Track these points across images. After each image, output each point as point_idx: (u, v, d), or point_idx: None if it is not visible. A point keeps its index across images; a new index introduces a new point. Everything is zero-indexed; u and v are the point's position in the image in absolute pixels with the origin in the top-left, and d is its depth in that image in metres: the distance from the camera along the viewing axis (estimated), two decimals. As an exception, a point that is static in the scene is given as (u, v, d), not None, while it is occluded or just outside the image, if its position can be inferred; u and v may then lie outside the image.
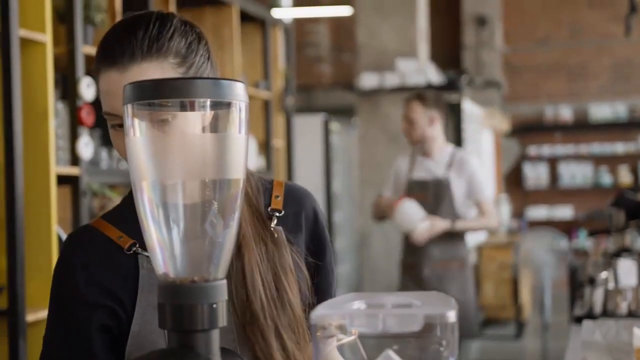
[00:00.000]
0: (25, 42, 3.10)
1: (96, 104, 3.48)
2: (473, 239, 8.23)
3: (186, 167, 0.96)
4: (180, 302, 0.94)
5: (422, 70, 7.23)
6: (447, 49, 11.32)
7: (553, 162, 11.65)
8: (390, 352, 0.88)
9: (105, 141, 3.78)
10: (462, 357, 5.59)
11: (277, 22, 5.81)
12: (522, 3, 11.69)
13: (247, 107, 0.99)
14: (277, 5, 6.60)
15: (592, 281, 3.20)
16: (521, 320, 8.28)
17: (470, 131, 8.48)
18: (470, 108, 8.48)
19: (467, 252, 4.66)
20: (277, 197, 1.47)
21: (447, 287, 4.48)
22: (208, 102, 0.95)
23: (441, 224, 4.46)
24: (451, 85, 7.71)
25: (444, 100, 4.77)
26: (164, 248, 0.96)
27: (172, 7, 4.32)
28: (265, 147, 5.54)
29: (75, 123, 3.42)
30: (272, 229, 1.43)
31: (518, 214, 11.41)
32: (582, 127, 11.50)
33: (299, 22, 10.79)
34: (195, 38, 1.36)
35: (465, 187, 4.53)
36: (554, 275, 7.58)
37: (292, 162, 5.98)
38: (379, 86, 7.21)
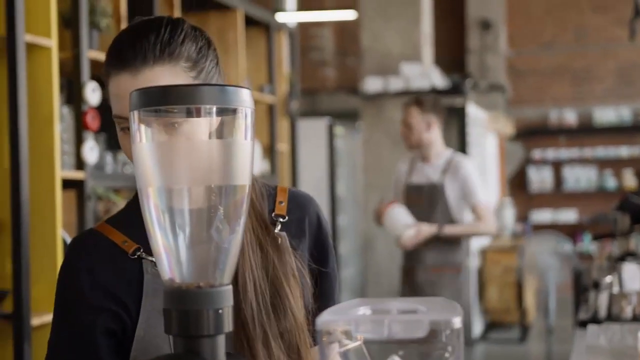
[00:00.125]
0: (30, 47, 3.11)
1: (101, 108, 3.48)
2: (477, 243, 8.24)
3: (192, 173, 0.97)
4: (186, 307, 0.94)
5: (426, 74, 7.24)
6: (452, 53, 11.32)
7: (557, 166, 11.64)
8: (396, 358, 0.88)
9: (110, 145, 3.79)
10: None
11: (282, 26, 5.82)
12: (526, 7, 11.68)
13: (253, 114, 0.99)
14: (282, 10, 6.61)
15: (596, 285, 3.20)
16: (525, 324, 8.28)
17: (475, 135, 8.48)
18: (474, 112, 8.48)
19: (464, 257, 4.63)
20: (281, 202, 1.47)
21: (440, 293, 4.47)
22: (214, 109, 0.95)
23: (428, 230, 4.46)
24: (455, 89, 7.71)
25: (444, 104, 4.77)
26: (170, 253, 0.96)
27: (177, 12, 4.33)
28: (270, 151, 5.55)
29: (80, 127, 3.43)
30: (275, 234, 1.43)
31: (522, 217, 11.40)
32: (587, 131, 11.49)
33: (303, 26, 10.80)
34: (205, 43, 1.37)
35: (459, 191, 4.52)
36: (558, 279, 7.57)
37: (296, 166, 5.98)
38: (383, 90, 7.22)
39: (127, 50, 1.32)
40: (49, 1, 3.15)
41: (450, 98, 7.83)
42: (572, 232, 11.17)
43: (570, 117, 11.55)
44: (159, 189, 0.96)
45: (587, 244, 10.98)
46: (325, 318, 0.90)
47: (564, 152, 11.55)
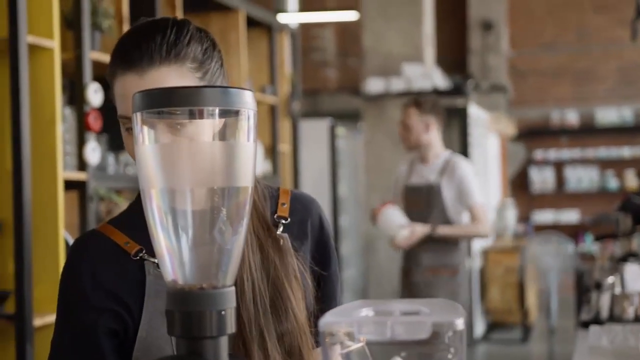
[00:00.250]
0: (33, 48, 3.12)
1: (103, 109, 3.49)
2: (479, 244, 8.24)
3: (195, 175, 0.97)
4: (189, 309, 0.94)
5: (428, 74, 7.24)
6: (453, 54, 11.32)
7: (559, 167, 11.64)
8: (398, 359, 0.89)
9: (112, 146, 3.79)
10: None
11: (283, 27, 5.82)
12: (528, 7, 11.68)
13: (256, 115, 0.99)
14: (283, 11, 6.61)
15: (598, 286, 3.20)
16: (527, 325, 8.28)
17: (476, 136, 8.48)
18: (476, 112, 8.48)
19: (461, 259, 4.60)
20: (283, 204, 1.48)
21: (436, 294, 4.47)
22: (217, 111, 0.96)
23: (421, 230, 4.47)
24: (457, 90, 7.71)
25: (445, 105, 4.77)
26: (173, 255, 0.96)
27: (179, 13, 4.33)
28: (272, 152, 5.55)
29: (82, 128, 3.43)
30: (277, 236, 1.43)
31: (524, 218, 11.40)
32: (589, 132, 11.48)
33: (305, 27, 10.80)
34: (210, 45, 1.38)
35: (455, 192, 4.52)
36: (560, 280, 7.57)
37: (298, 167, 5.99)
38: (385, 91, 7.22)
39: (134, 51, 1.33)
40: (51, 2, 3.15)
41: (451, 99, 7.83)
42: (574, 232, 11.17)
43: (572, 117, 11.55)
44: (161, 191, 0.96)
45: (589, 244, 10.97)
46: (328, 319, 0.90)
47: (566, 153, 11.55)
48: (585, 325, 2.83)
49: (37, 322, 3.04)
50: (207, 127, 0.98)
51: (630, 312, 2.85)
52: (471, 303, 7.63)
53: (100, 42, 3.59)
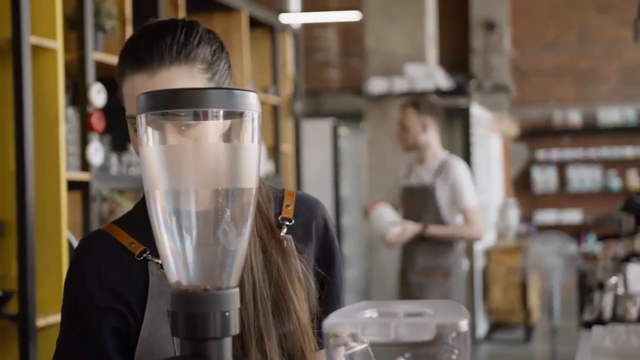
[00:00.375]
0: (36, 49, 3.12)
1: (106, 110, 3.49)
2: (481, 244, 8.23)
3: (199, 177, 0.97)
4: (193, 310, 0.94)
5: (430, 75, 7.23)
6: (456, 54, 11.32)
7: (562, 167, 11.63)
8: (402, 361, 0.89)
9: (115, 147, 3.80)
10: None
11: (286, 27, 5.82)
12: (530, 7, 11.68)
13: (260, 117, 1.00)
14: (286, 11, 6.61)
15: (601, 286, 3.20)
16: (530, 325, 8.27)
17: (479, 136, 8.48)
18: (478, 112, 8.48)
19: (455, 261, 4.57)
20: (287, 206, 1.48)
21: (428, 296, 4.46)
22: (221, 112, 0.96)
23: (412, 228, 4.47)
24: (460, 90, 7.71)
25: (448, 105, 4.77)
26: (177, 256, 0.96)
27: (182, 13, 4.33)
28: (274, 152, 5.56)
29: (85, 129, 3.44)
30: (281, 237, 1.43)
31: (526, 218, 11.39)
32: (591, 132, 11.48)
33: (307, 27, 10.80)
34: (218, 46, 1.38)
35: (449, 193, 4.51)
36: (562, 280, 7.57)
37: (300, 167, 5.99)
38: (388, 91, 7.22)
39: (144, 51, 1.33)
40: (55, 3, 3.16)
41: (454, 99, 7.83)
42: (576, 232, 11.17)
43: (574, 117, 11.54)
44: (166, 192, 0.96)
45: (592, 244, 10.97)
46: (332, 321, 0.91)
47: (568, 153, 11.54)
48: (588, 325, 2.83)
49: (40, 322, 3.05)
50: (211, 128, 0.98)
51: (633, 312, 2.85)
52: (473, 303, 7.63)
53: (103, 43, 3.59)
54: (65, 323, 1.40)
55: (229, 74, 1.40)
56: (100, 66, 3.53)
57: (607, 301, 2.94)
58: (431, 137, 4.58)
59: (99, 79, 3.50)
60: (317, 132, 7.98)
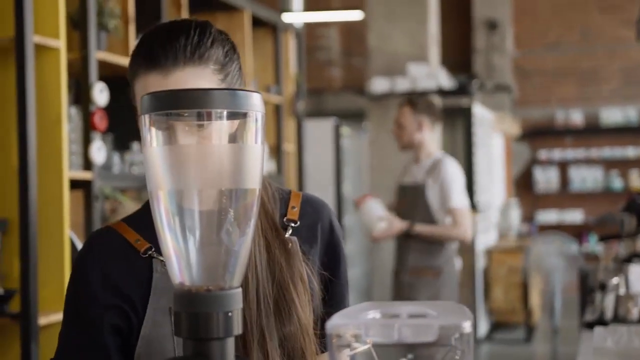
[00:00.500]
0: (39, 48, 3.12)
1: (109, 109, 3.49)
2: (483, 244, 8.23)
3: (203, 177, 0.97)
4: (196, 310, 0.94)
5: (433, 74, 7.23)
6: (458, 53, 11.31)
7: (563, 166, 11.63)
8: (405, 362, 0.89)
9: (118, 146, 3.80)
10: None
11: (288, 26, 5.82)
12: (533, 7, 11.67)
13: (264, 117, 1.00)
14: (288, 10, 6.61)
15: (603, 286, 3.19)
16: (531, 325, 8.27)
17: (481, 135, 8.48)
18: (480, 112, 8.48)
19: (446, 261, 4.54)
20: (293, 207, 1.48)
21: (417, 296, 4.45)
22: (225, 113, 0.96)
23: (399, 225, 4.47)
24: (462, 90, 7.71)
25: (439, 106, 4.76)
26: (180, 256, 0.97)
27: (185, 12, 4.34)
28: (277, 152, 5.56)
29: (88, 128, 3.44)
30: (286, 238, 1.44)
31: (528, 218, 11.39)
32: (593, 132, 11.47)
33: (310, 27, 10.81)
34: (230, 47, 1.39)
35: (438, 192, 4.50)
36: (564, 280, 7.57)
37: (302, 167, 5.99)
38: (390, 90, 7.22)
39: (157, 51, 1.33)
40: (58, 2, 3.16)
41: (456, 98, 7.83)
42: (577, 232, 11.16)
43: (576, 117, 11.53)
44: (169, 192, 0.97)
45: (593, 244, 10.96)
46: (335, 322, 0.91)
47: (570, 153, 11.53)
48: (589, 326, 2.83)
49: (42, 321, 3.05)
50: (215, 129, 0.98)
51: (634, 313, 2.85)
52: (474, 303, 7.63)
53: (106, 42, 3.59)
54: (68, 318, 1.42)
55: (240, 76, 1.40)
56: (103, 65, 3.54)
57: (609, 302, 2.94)
58: (426, 136, 4.58)
59: (102, 78, 3.50)
60: (320, 131, 7.98)
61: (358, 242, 8.67)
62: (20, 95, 3.02)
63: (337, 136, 8.25)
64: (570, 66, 11.61)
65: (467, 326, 0.86)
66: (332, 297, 1.49)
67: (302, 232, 1.47)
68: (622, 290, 2.95)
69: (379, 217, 4.53)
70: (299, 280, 1.41)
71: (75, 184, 3.37)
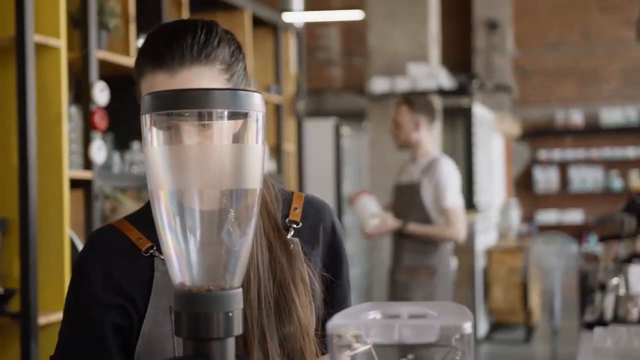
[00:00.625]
0: (39, 47, 3.12)
1: (109, 108, 3.49)
2: (483, 244, 8.23)
3: (203, 177, 0.97)
4: (196, 310, 0.95)
5: (433, 74, 7.23)
6: (458, 54, 11.31)
7: (563, 167, 11.63)
8: (405, 362, 0.89)
9: (118, 145, 3.80)
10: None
11: (289, 26, 5.82)
12: (533, 7, 11.67)
13: (265, 117, 1.00)
14: (289, 10, 6.61)
15: (602, 287, 3.19)
16: (530, 325, 8.27)
17: (481, 135, 8.48)
18: (481, 112, 8.48)
19: (441, 261, 4.52)
20: (295, 209, 1.48)
21: (411, 296, 4.44)
22: (225, 113, 0.96)
23: (392, 223, 4.47)
24: (462, 90, 7.71)
25: (435, 106, 4.75)
26: (181, 256, 0.97)
27: (185, 12, 4.34)
28: (277, 151, 5.56)
29: (88, 127, 3.44)
30: (287, 239, 1.44)
31: (528, 218, 11.39)
32: (593, 132, 11.47)
33: (310, 26, 10.80)
34: (236, 47, 1.39)
35: (433, 192, 4.48)
36: (563, 280, 7.57)
37: (303, 166, 5.99)
38: (390, 90, 7.22)
39: (164, 50, 1.33)
40: (58, 2, 3.16)
41: (456, 98, 7.83)
42: (577, 232, 11.16)
43: (576, 117, 11.53)
44: (170, 192, 0.97)
45: (593, 245, 10.96)
46: (336, 322, 0.91)
47: (570, 153, 11.53)
48: (589, 326, 2.82)
49: (42, 320, 3.05)
50: (218, 129, 0.98)
51: (634, 313, 2.85)
52: (474, 303, 7.63)
53: (107, 42, 3.59)
54: (68, 315, 1.42)
55: (245, 76, 1.40)
56: (103, 65, 3.54)
57: (609, 302, 2.94)
58: (423, 135, 4.58)
59: (102, 77, 3.50)
60: (320, 131, 7.98)
61: (358, 242, 8.67)
62: (20, 95, 3.02)
63: (337, 136, 8.25)
64: (570, 66, 11.61)
65: (467, 327, 0.86)
66: (334, 299, 1.49)
67: (304, 233, 1.47)
68: (621, 291, 2.95)
69: (373, 213, 4.53)
70: (300, 281, 1.41)
71: (75, 184, 3.37)
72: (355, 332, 0.89)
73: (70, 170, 3.28)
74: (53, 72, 3.16)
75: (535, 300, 8.62)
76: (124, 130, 3.74)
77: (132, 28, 3.78)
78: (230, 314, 0.95)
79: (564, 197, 11.62)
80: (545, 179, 11.61)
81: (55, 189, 3.16)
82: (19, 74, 3.01)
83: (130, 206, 3.57)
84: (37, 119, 3.08)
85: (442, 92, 7.15)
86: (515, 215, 9.73)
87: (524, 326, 8.21)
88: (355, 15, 8.32)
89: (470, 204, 8.11)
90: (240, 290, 0.97)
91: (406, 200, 4.56)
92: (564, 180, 11.63)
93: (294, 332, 1.39)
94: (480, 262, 8.10)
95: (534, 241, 8.75)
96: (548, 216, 11.57)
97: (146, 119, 0.97)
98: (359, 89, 9.05)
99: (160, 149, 0.97)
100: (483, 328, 8.11)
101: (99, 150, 3.45)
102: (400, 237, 4.52)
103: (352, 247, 8.46)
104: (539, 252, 7.91)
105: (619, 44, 11.33)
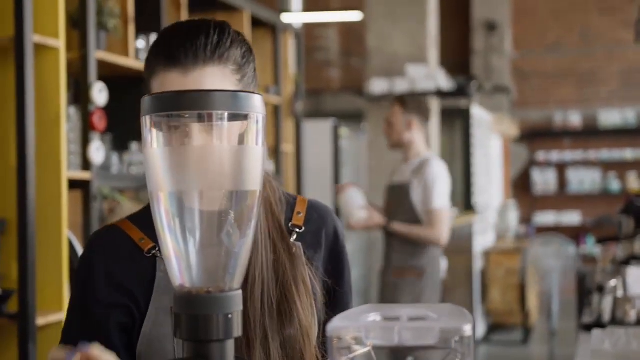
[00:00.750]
0: (38, 47, 3.12)
1: (108, 109, 3.49)
2: (481, 245, 8.24)
3: (203, 179, 0.97)
4: (196, 312, 0.95)
5: (431, 75, 7.23)
6: (457, 55, 11.32)
7: (561, 168, 11.64)
8: (405, 364, 0.89)
9: (116, 146, 3.80)
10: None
11: (288, 27, 5.82)
12: (532, 9, 11.68)
13: (265, 119, 1.00)
14: (288, 11, 6.61)
15: (600, 289, 3.19)
16: (528, 326, 8.28)
17: (479, 137, 8.49)
18: (479, 113, 8.49)
19: (429, 262, 4.48)
20: (299, 213, 1.48)
21: (400, 296, 4.43)
22: (226, 114, 0.96)
23: (378, 219, 4.48)
24: (460, 91, 7.71)
25: (427, 106, 4.74)
26: (180, 258, 0.97)
27: (184, 12, 4.34)
28: (275, 152, 5.56)
29: (86, 128, 3.43)
30: (290, 243, 1.44)
31: (526, 219, 11.39)
32: (591, 133, 11.48)
33: (309, 27, 10.80)
34: (247, 49, 1.39)
35: (422, 193, 4.46)
36: (561, 282, 7.56)
37: (301, 167, 5.99)
38: (389, 91, 7.21)
39: (178, 50, 1.32)
40: (57, 2, 3.16)
41: (455, 100, 7.83)
42: (575, 234, 11.17)
43: (574, 119, 11.54)
44: (169, 194, 0.97)
45: (591, 246, 10.97)
46: (336, 324, 0.91)
47: (568, 154, 11.54)
48: (586, 328, 2.82)
49: (40, 321, 3.05)
50: (222, 130, 0.98)
51: (632, 315, 2.85)
52: (472, 305, 7.62)
53: (106, 42, 3.59)
54: (72, 315, 1.42)
55: (255, 77, 1.41)
56: (102, 65, 3.54)
57: (606, 304, 2.94)
58: (415, 135, 4.56)
59: (101, 78, 3.50)
60: (318, 132, 7.97)
61: (355, 243, 8.67)
62: (19, 95, 3.02)
63: (336, 137, 8.24)
64: (568, 68, 11.62)
65: (467, 329, 0.86)
66: (336, 304, 1.49)
67: (307, 238, 1.47)
68: (619, 293, 2.95)
69: (359, 206, 4.53)
70: (302, 283, 1.42)
71: (73, 184, 3.37)
72: (355, 335, 0.89)
73: (68, 171, 3.27)
74: (52, 73, 3.16)
75: (533, 301, 8.62)
76: (122, 131, 3.74)
77: (131, 28, 3.78)
78: (229, 315, 0.95)
79: (562, 198, 11.63)
80: (543, 180, 11.62)
81: (53, 190, 3.15)
82: (18, 74, 3.01)
83: (128, 207, 3.57)
84: (35, 119, 3.08)
85: (440, 94, 7.15)
86: (513, 216, 9.73)
87: (522, 328, 8.21)
88: (354, 16, 8.32)
89: (468, 205, 8.12)
90: (240, 292, 0.97)
91: (397, 201, 4.55)
92: (562, 182, 11.64)
93: (295, 334, 1.39)
94: (478, 264, 8.11)
95: (531, 242, 8.75)
96: (546, 217, 11.58)
97: (146, 120, 0.97)
98: (358, 90, 9.05)
99: (160, 151, 0.97)
100: (481, 329, 8.11)
101: (97, 151, 3.45)
102: (389, 237, 4.51)
103: (349, 248, 8.44)
104: (537, 253, 7.90)
105: (617, 45, 11.34)
